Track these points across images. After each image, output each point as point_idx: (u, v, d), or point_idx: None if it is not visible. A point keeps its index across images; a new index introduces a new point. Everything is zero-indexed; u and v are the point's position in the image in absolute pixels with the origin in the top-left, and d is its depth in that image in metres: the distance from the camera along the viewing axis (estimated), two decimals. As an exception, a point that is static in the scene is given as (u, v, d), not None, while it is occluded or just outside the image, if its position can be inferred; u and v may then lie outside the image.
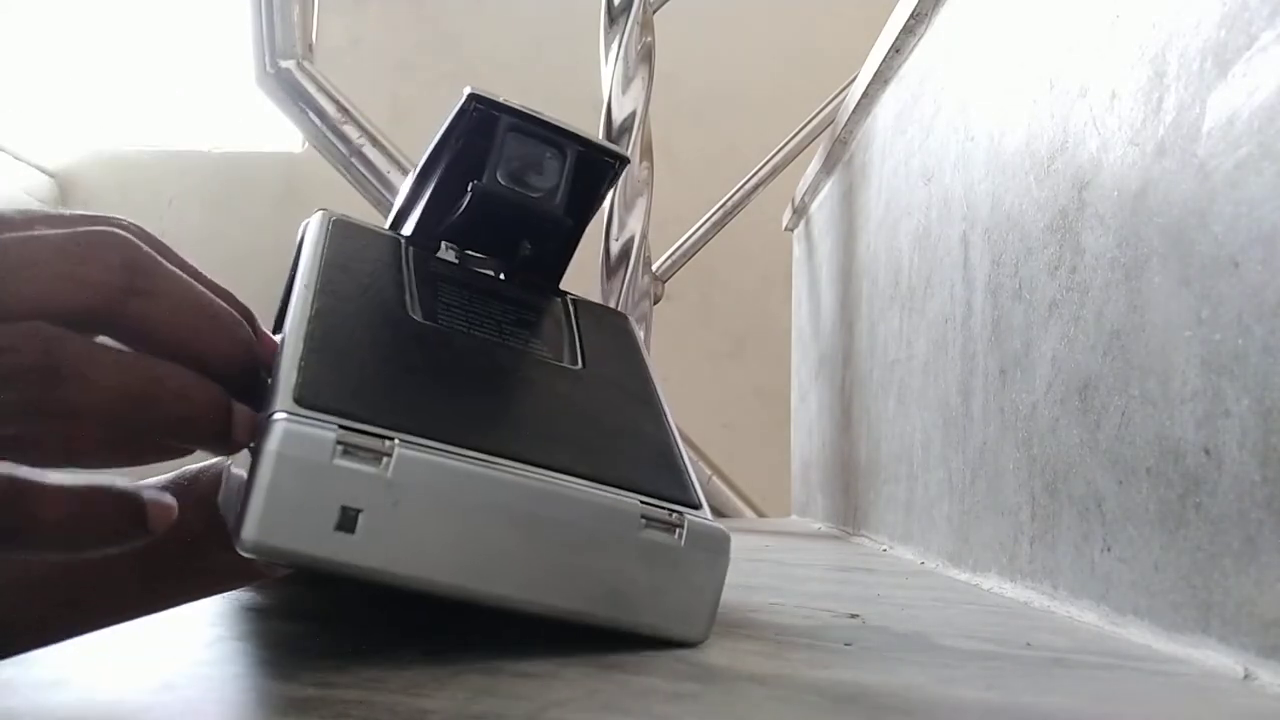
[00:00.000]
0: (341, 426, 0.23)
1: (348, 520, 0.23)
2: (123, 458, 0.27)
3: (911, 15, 0.65)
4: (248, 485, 0.23)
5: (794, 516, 1.17)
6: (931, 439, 0.59)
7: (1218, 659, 0.28)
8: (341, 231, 0.33)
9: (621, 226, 0.97)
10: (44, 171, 2.68)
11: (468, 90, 0.33)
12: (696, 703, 0.22)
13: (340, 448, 0.23)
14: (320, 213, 0.34)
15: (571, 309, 0.36)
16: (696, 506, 0.27)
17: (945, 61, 0.61)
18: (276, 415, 0.23)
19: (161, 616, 0.30)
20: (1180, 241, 0.31)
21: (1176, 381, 0.31)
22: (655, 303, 1.07)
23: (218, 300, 0.26)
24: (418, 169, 0.35)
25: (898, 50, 0.70)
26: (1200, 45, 0.31)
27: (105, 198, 2.66)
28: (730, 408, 1.82)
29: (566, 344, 0.33)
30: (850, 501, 0.83)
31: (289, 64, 1.21)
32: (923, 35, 0.66)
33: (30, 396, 0.23)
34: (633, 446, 0.29)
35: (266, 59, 1.21)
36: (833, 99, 1.07)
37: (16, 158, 2.61)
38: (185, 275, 0.26)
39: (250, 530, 0.22)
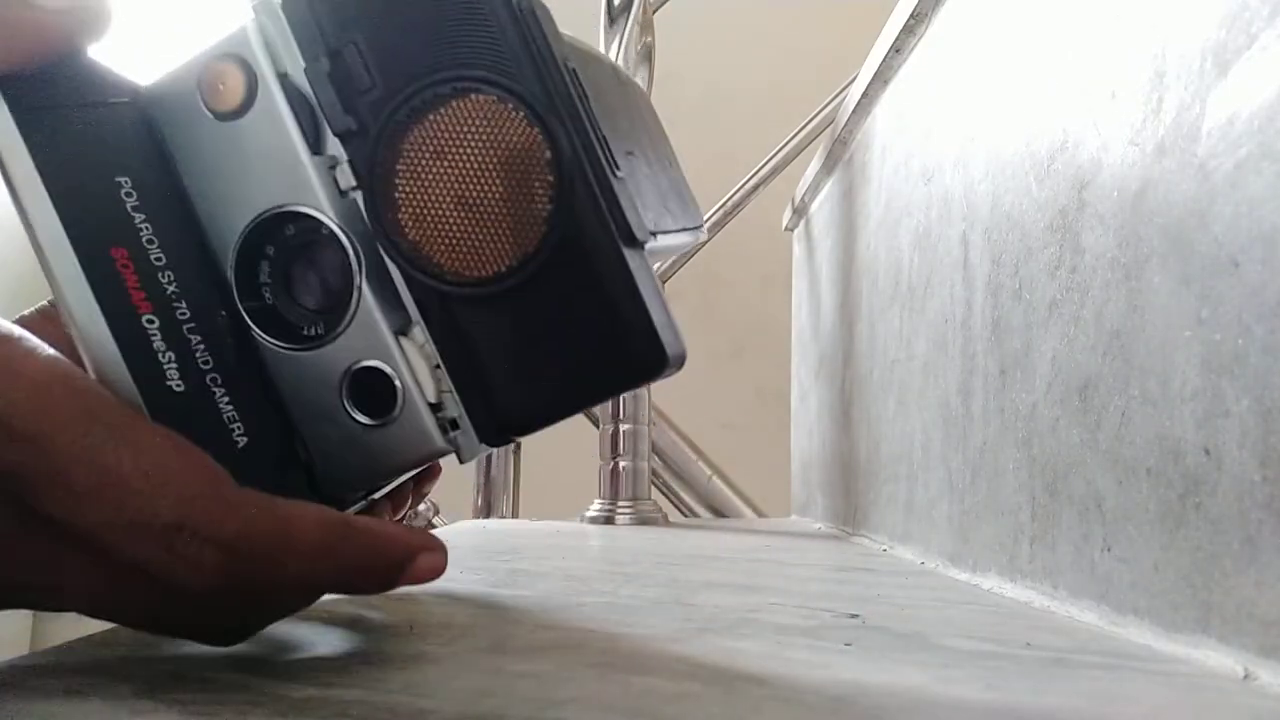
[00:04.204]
0: None
1: None
2: None
3: (911, 15, 0.65)
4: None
5: (794, 516, 1.17)
6: (931, 439, 0.59)
7: (1218, 659, 0.28)
8: None
9: (621, 226, 0.96)
10: (44, 171, 2.67)
11: None
12: (696, 702, 0.22)
13: None
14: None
15: None
16: None
17: (945, 61, 0.61)
18: None
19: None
20: (1180, 241, 0.31)
21: (1176, 381, 0.31)
22: (655, 303, 1.07)
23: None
24: None
25: (898, 50, 0.70)
26: (1200, 45, 0.31)
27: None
28: (730, 408, 1.82)
29: None
30: (850, 501, 0.83)
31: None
32: (923, 35, 0.66)
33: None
34: None
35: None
36: (833, 99, 1.07)
37: (16, 158, 2.60)
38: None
39: None
